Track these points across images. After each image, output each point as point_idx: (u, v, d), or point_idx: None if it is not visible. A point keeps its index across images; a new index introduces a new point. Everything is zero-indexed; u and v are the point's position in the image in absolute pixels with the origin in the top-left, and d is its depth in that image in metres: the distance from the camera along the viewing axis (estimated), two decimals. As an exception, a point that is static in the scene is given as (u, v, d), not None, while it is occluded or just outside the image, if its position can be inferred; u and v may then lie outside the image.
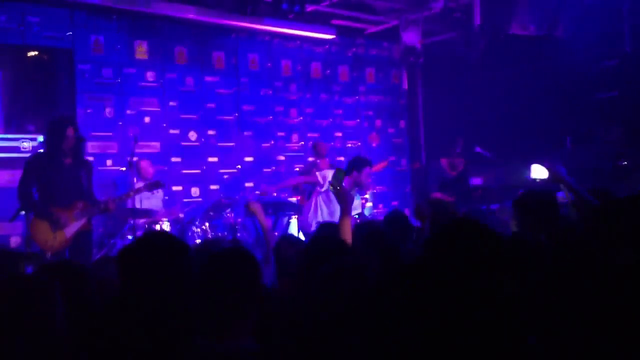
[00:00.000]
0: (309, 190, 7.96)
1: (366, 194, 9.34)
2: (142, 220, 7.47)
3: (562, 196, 4.46)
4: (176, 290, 2.39)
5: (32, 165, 5.97)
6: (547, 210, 4.12)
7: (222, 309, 2.48)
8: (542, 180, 4.73)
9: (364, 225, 4.36)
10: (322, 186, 6.75)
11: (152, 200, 7.99)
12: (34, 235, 5.93)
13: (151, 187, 6.76)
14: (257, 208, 4.56)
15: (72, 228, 5.96)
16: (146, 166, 7.99)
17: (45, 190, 5.91)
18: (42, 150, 6.34)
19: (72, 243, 5.98)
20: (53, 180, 5.91)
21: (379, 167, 9.96)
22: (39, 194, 5.93)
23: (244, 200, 9.20)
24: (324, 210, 6.77)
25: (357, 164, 6.55)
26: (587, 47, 8.70)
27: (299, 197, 8.85)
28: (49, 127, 6.09)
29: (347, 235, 3.92)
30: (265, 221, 4.54)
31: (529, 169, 7.92)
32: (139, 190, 6.56)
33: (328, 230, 4.14)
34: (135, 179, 7.82)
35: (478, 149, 8.94)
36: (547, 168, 4.52)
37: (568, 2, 8.01)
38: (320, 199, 6.81)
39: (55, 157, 5.96)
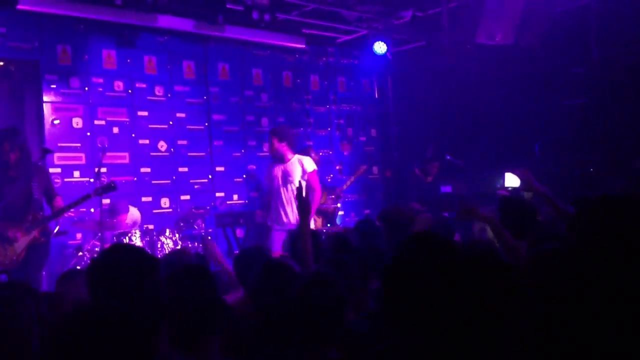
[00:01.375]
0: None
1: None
2: (109, 233, 7.38)
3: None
4: (145, 305, 2.36)
5: None
6: (525, 217, 4.17)
7: (187, 324, 2.47)
8: (515, 188, 4.78)
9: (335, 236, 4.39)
10: None
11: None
12: None
13: (100, 191, 6.49)
14: (212, 247, 4.67)
15: (23, 242, 5.85)
16: None
17: None
18: None
19: (25, 257, 5.88)
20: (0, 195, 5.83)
21: (357, 174, 10.02)
22: None
23: (216, 211, 9.18)
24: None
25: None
26: (554, 55, 8.84)
27: None
28: None
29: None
30: (220, 257, 4.61)
31: (499, 176, 8.01)
32: (87, 197, 6.40)
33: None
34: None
35: (448, 157, 9.02)
36: (519, 176, 4.56)
37: (534, 11, 8.11)
38: None
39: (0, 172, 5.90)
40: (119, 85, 8.73)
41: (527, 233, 4.23)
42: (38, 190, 6.07)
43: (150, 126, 8.97)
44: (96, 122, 8.49)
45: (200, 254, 4.29)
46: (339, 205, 10.32)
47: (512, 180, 4.79)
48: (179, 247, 7.81)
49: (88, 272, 2.43)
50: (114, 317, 1.75)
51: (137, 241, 7.49)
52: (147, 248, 7.54)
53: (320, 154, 10.34)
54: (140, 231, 7.73)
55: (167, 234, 7.94)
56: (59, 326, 1.72)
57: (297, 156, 7.88)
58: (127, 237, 7.47)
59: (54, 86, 8.18)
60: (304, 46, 10.31)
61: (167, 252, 7.69)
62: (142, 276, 2.40)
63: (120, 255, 2.48)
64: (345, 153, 11.17)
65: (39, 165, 6.40)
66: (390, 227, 4.82)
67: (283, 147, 7.75)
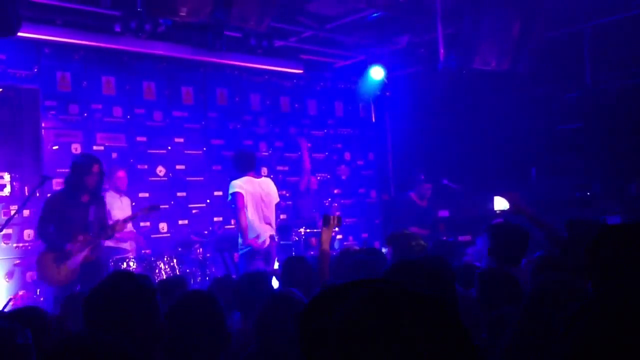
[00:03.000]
0: None
1: None
2: (107, 257, 7.37)
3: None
4: (140, 334, 2.37)
5: (50, 204, 6.41)
6: (518, 241, 4.20)
7: (189, 351, 2.47)
8: (504, 212, 4.82)
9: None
10: None
11: (123, 206, 7.89)
12: (41, 272, 6.32)
13: (146, 211, 7.13)
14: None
15: (75, 260, 6.27)
16: (123, 176, 7.93)
17: (60, 227, 6.32)
18: (60, 189, 6.88)
19: (80, 274, 6.29)
20: (68, 217, 6.29)
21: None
22: (56, 231, 6.34)
23: (214, 236, 9.18)
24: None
25: None
26: (548, 80, 8.93)
27: None
28: (73, 165, 6.48)
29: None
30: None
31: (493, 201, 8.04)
32: (134, 217, 7.11)
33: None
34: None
35: (445, 181, 9.05)
36: (508, 199, 4.61)
37: (529, 36, 8.21)
38: None
39: (75, 195, 6.36)
40: (117, 111, 8.80)
41: (522, 257, 4.26)
42: (94, 214, 6.45)
43: (148, 151, 9.03)
44: (95, 147, 8.53)
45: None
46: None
47: (501, 204, 4.83)
48: (177, 272, 7.80)
49: (85, 301, 2.45)
50: (102, 348, 1.76)
51: (133, 266, 7.48)
52: (144, 273, 7.53)
53: (319, 177, 10.38)
54: (137, 256, 7.72)
55: (165, 259, 7.93)
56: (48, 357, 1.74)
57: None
58: (124, 263, 7.46)
59: (53, 112, 8.24)
60: (301, 71, 10.41)
61: (164, 277, 7.68)
62: (139, 305, 2.41)
63: (116, 285, 2.49)
64: (343, 177, 11.21)
65: (101, 195, 6.79)
66: (399, 249, 4.83)
67: None
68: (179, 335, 2.43)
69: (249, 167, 7.27)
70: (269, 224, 7.28)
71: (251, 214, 7.12)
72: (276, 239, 7.45)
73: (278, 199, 7.48)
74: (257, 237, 7.12)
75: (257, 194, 7.20)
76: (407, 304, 1.06)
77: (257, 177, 7.45)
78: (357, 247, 6.84)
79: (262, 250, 7.15)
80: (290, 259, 5.19)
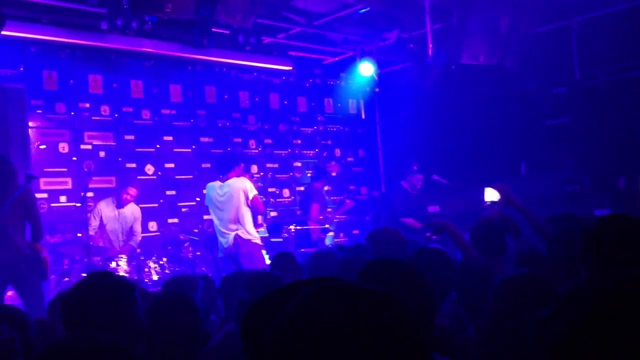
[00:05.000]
0: None
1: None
2: (97, 258, 7.35)
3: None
4: (122, 330, 2.34)
5: None
6: (494, 235, 4.19)
7: (168, 353, 2.44)
8: (495, 203, 4.81)
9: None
10: None
11: (119, 219, 7.93)
12: None
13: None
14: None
15: None
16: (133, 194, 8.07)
17: None
18: None
19: None
20: None
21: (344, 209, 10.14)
22: None
23: (204, 235, 9.14)
24: None
25: None
26: (537, 75, 8.92)
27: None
28: None
29: None
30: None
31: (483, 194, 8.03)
32: None
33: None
34: (90, 216, 7.76)
35: (435, 177, 9.03)
36: (498, 190, 4.60)
37: (517, 31, 8.20)
38: None
39: None
40: (105, 109, 8.74)
41: (501, 250, 4.24)
42: None
43: (137, 149, 8.98)
44: (82, 146, 8.49)
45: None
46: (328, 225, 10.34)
47: (491, 195, 4.81)
48: (166, 271, 7.78)
49: (61, 301, 2.42)
50: (86, 350, 1.74)
51: (123, 265, 7.46)
52: (134, 272, 7.51)
53: (309, 174, 10.35)
54: (127, 255, 7.70)
55: (154, 258, 7.91)
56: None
57: None
58: (114, 262, 7.44)
59: (39, 111, 8.19)
60: (290, 68, 10.38)
61: (153, 276, 7.67)
62: (117, 302, 2.39)
63: (94, 282, 2.46)
64: (333, 174, 11.18)
65: None
66: (380, 247, 4.80)
67: None
68: (158, 335, 2.40)
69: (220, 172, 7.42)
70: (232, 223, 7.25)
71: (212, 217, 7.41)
72: (245, 237, 7.28)
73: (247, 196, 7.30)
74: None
75: (216, 197, 7.31)
76: (351, 300, 1.02)
77: (222, 181, 7.40)
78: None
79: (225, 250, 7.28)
80: (279, 255, 5.15)
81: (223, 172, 7.40)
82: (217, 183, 7.38)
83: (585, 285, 1.04)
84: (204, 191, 7.50)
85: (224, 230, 7.22)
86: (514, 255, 3.96)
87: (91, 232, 7.59)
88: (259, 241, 7.43)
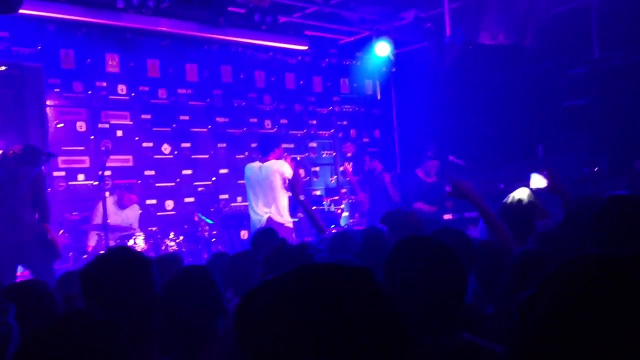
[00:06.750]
0: None
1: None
2: (114, 235, 7.41)
3: None
4: (139, 303, 2.38)
5: None
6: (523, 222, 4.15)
7: (185, 330, 2.45)
8: (540, 190, 4.71)
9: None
10: None
11: (122, 217, 7.94)
12: None
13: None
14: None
15: None
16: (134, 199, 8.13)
17: None
18: None
19: None
20: None
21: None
22: None
23: (220, 213, 9.19)
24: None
25: None
26: (556, 55, 8.82)
27: None
28: None
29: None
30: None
31: (501, 177, 8.00)
32: None
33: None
34: (108, 194, 7.81)
35: (451, 158, 9.01)
36: (546, 177, 4.52)
37: (536, 11, 8.10)
38: None
39: None
40: (122, 88, 8.77)
41: (528, 232, 4.22)
42: None
43: (153, 129, 9.02)
44: (100, 125, 8.54)
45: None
46: (343, 206, 10.36)
47: (537, 181, 4.70)
48: (183, 249, 7.84)
49: (81, 275, 2.45)
50: (95, 326, 1.75)
51: (141, 243, 7.53)
52: (151, 250, 7.57)
53: (324, 155, 10.35)
54: (144, 233, 7.76)
55: (171, 236, 7.97)
56: (32, 339, 1.73)
57: None
58: (132, 240, 7.51)
59: (57, 90, 8.23)
60: (306, 48, 10.34)
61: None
62: (134, 274, 2.42)
63: (112, 259, 2.49)
64: (348, 154, 11.18)
65: None
66: (395, 229, 4.78)
67: None
68: (177, 308, 2.42)
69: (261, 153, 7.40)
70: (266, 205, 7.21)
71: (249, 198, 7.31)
72: (278, 220, 7.22)
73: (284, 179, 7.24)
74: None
75: (254, 178, 7.25)
76: (325, 276, 1.08)
77: (262, 162, 7.37)
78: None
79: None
80: (260, 232, 5.05)
81: (263, 153, 7.38)
82: (257, 164, 7.33)
83: (570, 264, 1.01)
84: (244, 172, 7.42)
85: (258, 211, 7.20)
86: (536, 237, 3.92)
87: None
88: (291, 225, 7.39)
